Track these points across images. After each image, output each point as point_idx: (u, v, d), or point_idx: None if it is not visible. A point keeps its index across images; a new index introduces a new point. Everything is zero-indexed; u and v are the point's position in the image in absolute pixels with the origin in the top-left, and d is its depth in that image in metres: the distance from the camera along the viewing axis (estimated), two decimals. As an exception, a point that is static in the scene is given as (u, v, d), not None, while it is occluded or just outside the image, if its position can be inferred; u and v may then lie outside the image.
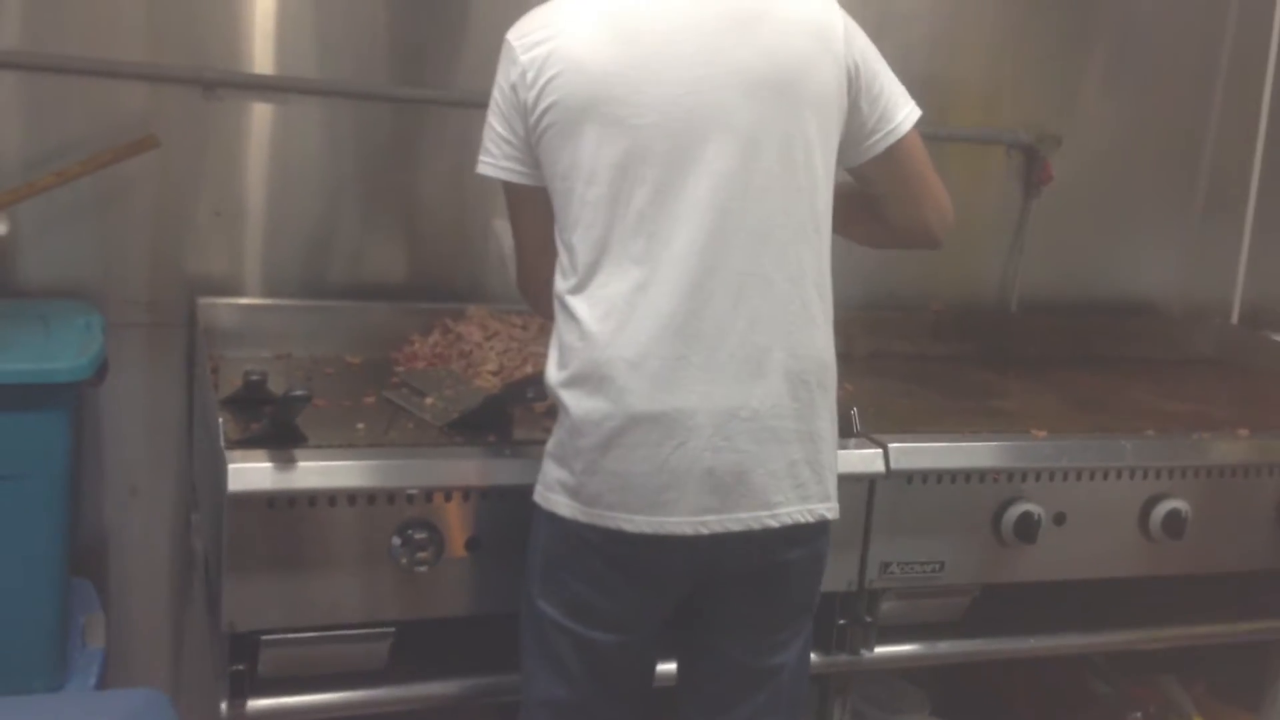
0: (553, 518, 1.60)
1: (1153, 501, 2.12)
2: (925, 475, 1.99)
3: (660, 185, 1.53)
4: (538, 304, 1.76)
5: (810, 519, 1.61)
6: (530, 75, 1.56)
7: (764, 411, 1.56)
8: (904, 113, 1.69)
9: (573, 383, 1.57)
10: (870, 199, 1.77)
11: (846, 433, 1.94)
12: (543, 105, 1.56)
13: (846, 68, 1.61)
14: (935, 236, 1.80)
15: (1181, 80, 2.99)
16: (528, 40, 1.58)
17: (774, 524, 1.58)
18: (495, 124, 1.63)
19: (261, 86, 2.27)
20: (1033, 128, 2.82)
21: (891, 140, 1.68)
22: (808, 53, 1.58)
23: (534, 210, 1.65)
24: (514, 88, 1.58)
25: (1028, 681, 2.49)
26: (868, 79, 1.64)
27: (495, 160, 1.64)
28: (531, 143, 1.60)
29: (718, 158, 1.53)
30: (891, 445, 1.97)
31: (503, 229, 2.06)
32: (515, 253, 1.77)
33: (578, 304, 1.57)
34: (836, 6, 1.64)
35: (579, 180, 1.55)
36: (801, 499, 1.60)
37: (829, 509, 1.63)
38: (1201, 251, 3.07)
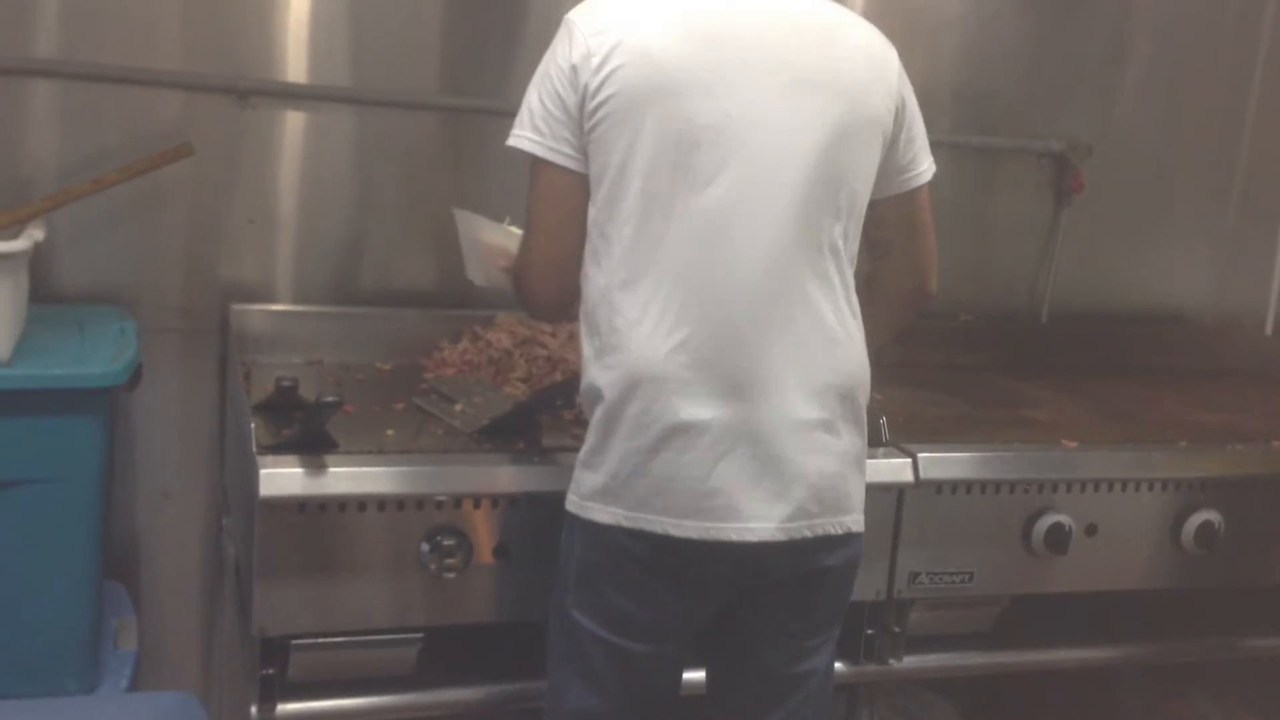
0: (589, 526, 1.59)
1: (1185, 513, 2.10)
2: (955, 485, 1.98)
3: (714, 188, 1.53)
4: (533, 294, 1.71)
5: (839, 531, 1.61)
6: (595, 61, 1.54)
7: (807, 422, 1.57)
8: (927, 163, 1.75)
9: (619, 385, 1.56)
10: (871, 243, 1.74)
11: (875, 442, 1.94)
12: (605, 93, 1.54)
13: (896, 102, 1.64)
14: (926, 287, 1.80)
15: (1214, 88, 2.97)
16: (595, 25, 1.56)
17: (809, 534, 1.58)
18: (546, 102, 1.58)
19: (295, 95, 2.29)
20: (1064, 137, 2.80)
21: (914, 184, 1.73)
22: (867, 78, 1.61)
23: (564, 194, 1.61)
24: (575, 68, 1.55)
25: (1057, 694, 2.47)
26: (910, 119, 1.69)
27: (543, 139, 1.59)
28: (585, 128, 1.57)
29: (771, 168, 1.54)
30: (921, 455, 1.97)
31: (466, 219, 2.02)
32: (524, 238, 1.70)
33: (625, 302, 1.56)
34: (891, 47, 1.68)
35: (633, 173, 1.54)
36: (836, 510, 1.60)
37: (854, 521, 1.64)
38: (1235, 261, 3.04)
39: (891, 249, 1.77)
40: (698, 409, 1.53)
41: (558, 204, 1.63)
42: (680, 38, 1.55)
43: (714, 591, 1.62)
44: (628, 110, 1.53)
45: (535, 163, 1.62)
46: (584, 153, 1.58)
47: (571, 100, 1.56)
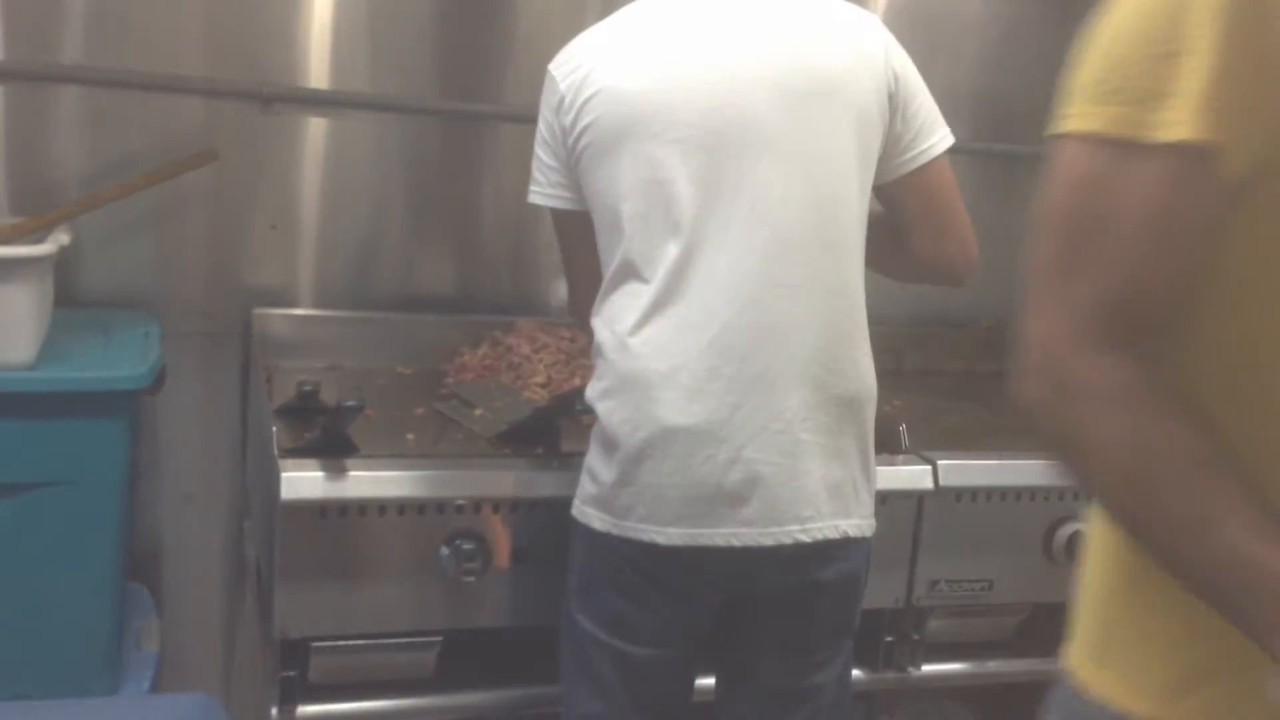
0: (589, 532, 1.60)
1: (1207, 522, 2.08)
2: (975, 492, 1.97)
3: (694, 199, 1.54)
4: (587, 330, 1.75)
5: (836, 535, 1.58)
6: (569, 99, 1.58)
7: (796, 425, 1.54)
8: (938, 135, 1.66)
9: (607, 394, 1.57)
10: (894, 226, 1.70)
11: (895, 449, 1.94)
12: (580, 125, 1.57)
13: (886, 81, 1.60)
14: (958, 271, 1.71)
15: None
16: (566, 67, 1.61)
17: (805, 539, 1.55)
18: (541, 154, 1.66)
19: (317, 101, 2.30)
20: (1086, 143, 2.78)
21: (923, 160, 1.64)
22: (846, 64, 1.58)
23: (582, 236, 1.66)
24: (555, 112, 1.61)
25: (1078, 703, 2.45)
26: (905, 96, 1.62)
27: (541, 188, 1.67)
28: (571, 165, 1.61)
29: (752, 170, 1.53)
30: (941, 462, 1.96)
31: None
32: (566, 280, 1.78)
33: (615, 314, 1.58)
34: (879, 23, 1.64)
35: (615, 197, 1.56)
36: (833, 514, 1.57)
37: (854, 526, 1.60)
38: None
39: (912, 228, 1.68)
40: (678, 416, 1.52)
41: (577, 245, 1.70)
42: (644, 59, 1.56)
43: (707, 598, 1.61)
44: (603, 139, 1.56)
45: (551, 213, 1.70)
46: (579, 190, 1.62)
47: (560, 145, 1.62)
